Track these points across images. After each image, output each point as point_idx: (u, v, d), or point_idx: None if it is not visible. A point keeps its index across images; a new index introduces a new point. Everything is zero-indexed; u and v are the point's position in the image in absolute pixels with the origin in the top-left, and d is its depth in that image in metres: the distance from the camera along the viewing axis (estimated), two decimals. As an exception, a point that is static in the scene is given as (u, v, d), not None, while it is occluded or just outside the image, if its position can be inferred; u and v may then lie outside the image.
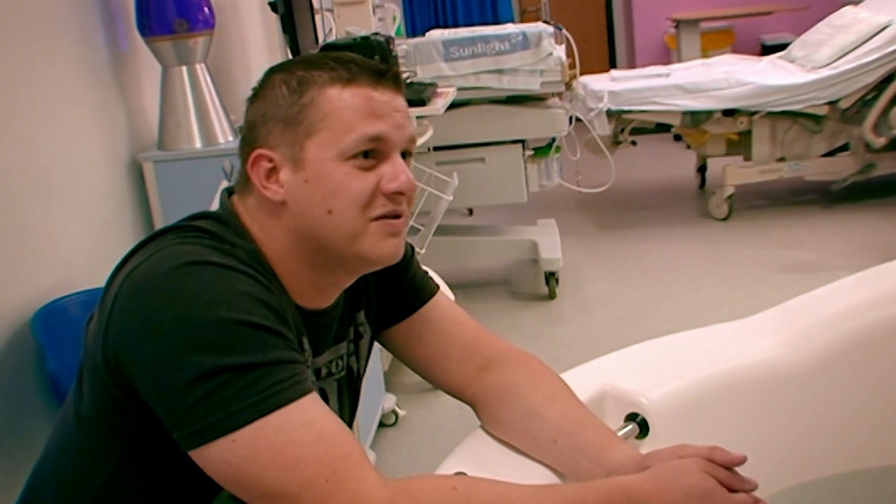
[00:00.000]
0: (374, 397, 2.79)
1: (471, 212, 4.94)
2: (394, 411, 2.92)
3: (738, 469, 1.13)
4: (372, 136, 1.07)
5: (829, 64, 4.60)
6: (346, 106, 1.07)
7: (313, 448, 0.95)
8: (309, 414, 0.97)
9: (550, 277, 3.92)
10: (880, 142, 4.61)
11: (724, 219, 4.82)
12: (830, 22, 4.97)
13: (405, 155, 1.12)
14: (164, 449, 1.00)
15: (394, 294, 1.28)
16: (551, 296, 3.92)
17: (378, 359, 2.86)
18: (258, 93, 1.12)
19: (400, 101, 1.12)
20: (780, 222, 4.71)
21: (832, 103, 4.59)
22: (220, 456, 0.95)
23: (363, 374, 1.32)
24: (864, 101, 4.59)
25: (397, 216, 1.10)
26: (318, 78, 1.08)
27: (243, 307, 0.97)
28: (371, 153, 1.08)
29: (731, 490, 1.10)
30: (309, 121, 1.07)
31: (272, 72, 1.13)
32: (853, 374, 1.59)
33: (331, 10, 3.95)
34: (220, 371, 0.93)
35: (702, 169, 5.44)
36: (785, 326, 1.63)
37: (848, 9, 5.01)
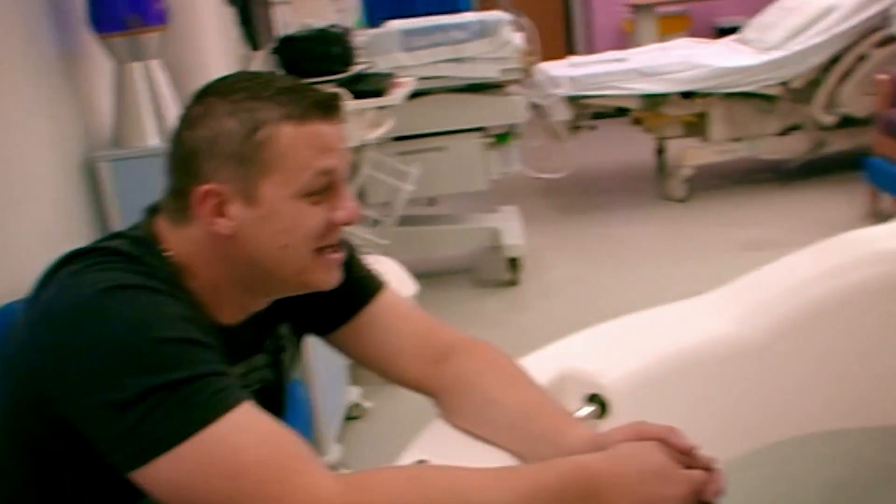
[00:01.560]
0: (339, 390, 2.77)
1: (433, 201, 4.93)
2: (359, 404, 2.91)
3: (697, 443, 1.12)
4: (325, 170, 1.07)
5: (780, 45, 4.65)
6: (301, 144, 1.06)
7: (258, 452, 0.94)
8: (248, 420, 0.96)
9: (513, 264, 3.92)
10: (830, 120, 4.69)
11: (683, 200, 4.86)
12: (781, 5, 5.03)
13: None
14: (80, 468, 1.00)
15: (333, 298, 1.24)
16: (515, 282, 3.92)
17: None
18: (198, 119, 1.07)
19: (343, 130, 1.12)
20: (737, 201, 4.77)
21: (784, 84, 4.66)
22: (164, 474, 0.93)
23: (285, 385, 1.30)
24: (814, 81, 4.66)
25: (338, 248, 1.12)
26: (269, 114, 1.05)
27: (170, 325, 0.96)
28: (321, 188, 1.07)
29: (688, 468, 1.10)
30: (264, 159, 1.05)
31: (210, 95, 1.08)
32: (804, 345, 1.61)
33: (288, 2, 3.92)
34: (154, 390, 0.92)
35: (660, 151, 5.47)
36: (738, 302, 1.64)
37: None
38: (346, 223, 1.10)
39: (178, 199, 1.08)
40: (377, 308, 1.28)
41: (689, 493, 1.07)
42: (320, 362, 2.46)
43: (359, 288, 1.28)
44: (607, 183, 5.47)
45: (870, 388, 1.65)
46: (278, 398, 1.28)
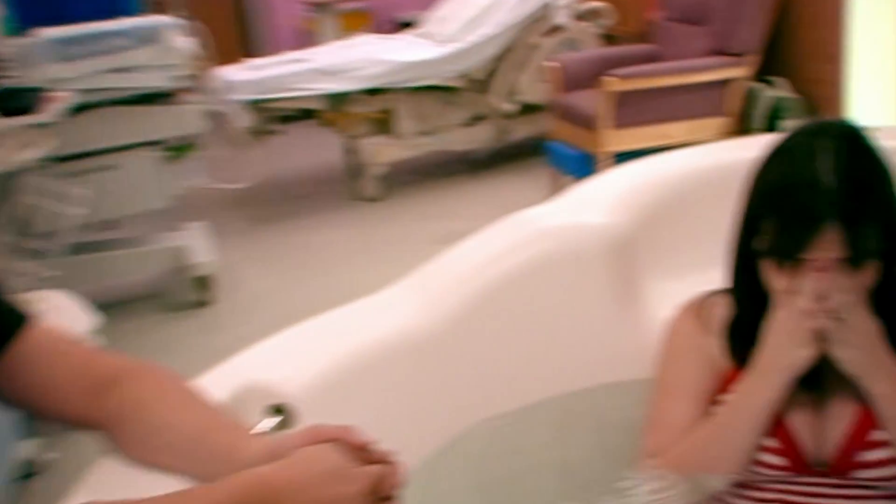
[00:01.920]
0: (5, 445, 2.56)
1: (110, 224, 4.72)
2: (31, 462, 2.68)
3: (374, 438, 1.16)
4: None
5: (457, 38, 4.87)
6: None
7: None
8: None
9: (202, 283, 3.86)
10: (511, 108, 4.99)
11: (378, 199, 4.98)
12: None
13: None
14: None
15: None
16: (206, 302, 3.87)
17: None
18: None
19: None
20: (432, 196, 4.95)
21: (465, 75, 4.89)
22: None
23: None
24: (492, 72, 4.94)
25: None
26: None
27: None
28: None
29: (367, 464, 1.13)
30: None
31: None
32: (484, 326, 1.71)
33: None
34: None
35: (351, 151, 5.50)
36: (417, 294, 1.72)
37: None
38: None
39: None
40: (23, 345, 1.21)
41: (368, 489, 1.10)
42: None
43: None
44: (300, 189, 5.49)
45: (555, 356, 1.78)
46: None
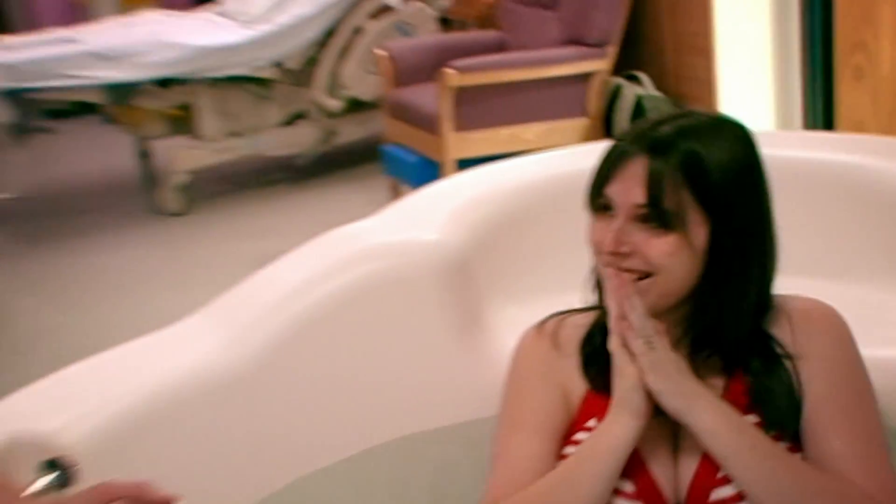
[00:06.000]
0: None
1: None
2: None
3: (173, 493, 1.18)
4: None
5: (265, 18, 4.85)
6: None
7: None
8: None
9: None
10: (336, 104, 5.01)
11: (181, 213, 4.94)
12: None
13: None
14: None
15: None
16: None
17: None
18: None
19: None
20: (246, 209, 4.94)
21: (279, 65, 4.89)
22: None
23: None
24: (312, 60, 4.95)
25: None
26: None
27: None
28: None
29: None
30: None
31: None
32: (297, 364, 1.73)
33: None
34: None
35: (145, 155, 5.46)
36: (224, 322, 1.74)
37: None
38: None
39: None
40: None
41: None
42: None
43: None
44: (84, 201, 5.38)
45: (387, 396, 1.80)
46: None
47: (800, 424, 1.38)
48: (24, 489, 1.29)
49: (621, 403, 1.35)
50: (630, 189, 1.33)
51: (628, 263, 1.34)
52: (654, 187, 1.32)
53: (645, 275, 1.34)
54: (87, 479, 1.37)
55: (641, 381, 1.33)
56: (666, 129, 1.37)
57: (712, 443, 1.33)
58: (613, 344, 1.35)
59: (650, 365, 1.32)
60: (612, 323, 1.34)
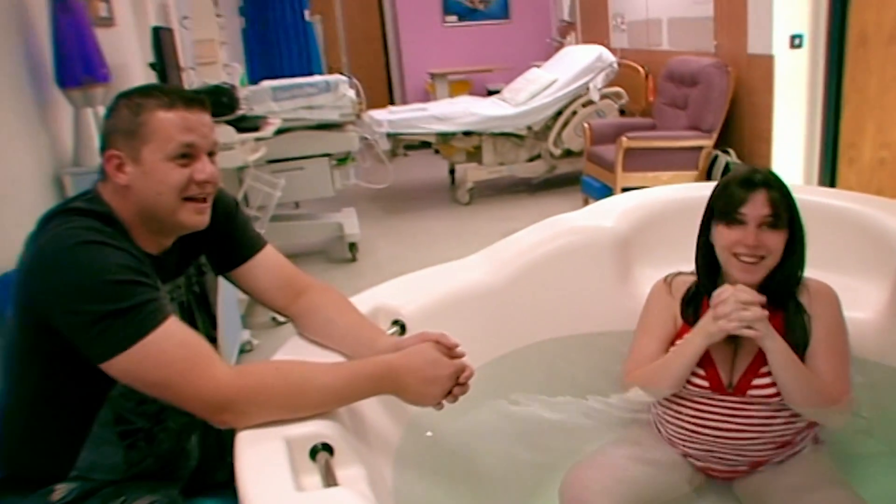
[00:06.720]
0: (235, 332, 2.74)
1: (297, 205, 4.88)
2: (250, 341, 2.87)
3: (459, 343, 1.23)
4: (186, 143, 1.08)
5: (525, 103, 4.81)
6: (169, 124, 1.07)
7: (176, 352, 0.98)
8: (171, 330, 1.00)
9: (352, 247, 3.92)
10: (557, 152, 4.92)
11: (467, 204, 4.94)
12: (525, 77, 5.20)
13: (211, 154, 1.13)
14: (71, 358, 1.01)
15: (230, 245, 1.26)
16: (353, 260, 3.92)
17: (236, 305, 2.83)
18: (110, 113, 1.11)
19: (206, 118, 1.12)
20: (502, 205, 4.88)
21: (529, 127, 4.84)
22: (119, 366, 0.97)
23: (212, 297, 1.29)
24: (547, 126, 4.88)
25: (203, 199, 1.12)
26: (148, 103, 1.08)
27: (117, 271, 0.99)
28: (186, 155, 1.09)
29: (452, 359, 1.20)
30: (143, 133, 1.07)
31: (119, 97, 1.11)
32: (528, 286, 1.74)
33: (193, 68, 3.81)
34: (110, 314, 0.96)
35: (452, 171, 5.54)
36: (488, 261, 1.76)
37: (534, 69, 5.29)
38: (204, 181, 1.10)
39: (102, 164, 1.11)
40: (262, 258, 1.29)
41: (453, 374, 1.17)
42: (223, 311, 2.44)
43: (249, 243, 1.29)
44: (416, 193, 5.47)
45: (574, 309, 1.78)
46: (207, 304, 1.27)
47: (805, 351, 1.32)
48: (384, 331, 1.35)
49: (702, 329, 1.32)
50: (758, 207, 1.28)
51: (758, 252, 1.29)
52: (775, 205, 1.28)
53: (760, 258, 1.30)
54: (412, 332, 1.44)
55: (713, 324, 1.28)
56: (762, 174, 1.31)
57: (772, 354, 1.28)
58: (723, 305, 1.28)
59: (752, 317, 1.26)
60: (729, 294, 1.27)
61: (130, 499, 1.09)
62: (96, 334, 0.96)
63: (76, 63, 2.02)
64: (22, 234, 1.09)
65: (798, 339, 1.32)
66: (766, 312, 1.27)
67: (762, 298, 1.27)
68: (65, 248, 0.98)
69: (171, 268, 1.18)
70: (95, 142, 2.08)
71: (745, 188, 1.30)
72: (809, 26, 3.69)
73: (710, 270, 1.39)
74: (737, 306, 1.26)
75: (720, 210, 1.33)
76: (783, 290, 1.35)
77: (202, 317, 1.26)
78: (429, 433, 1.42)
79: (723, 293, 1.28)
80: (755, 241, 1.28)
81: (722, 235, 1.32)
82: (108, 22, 2.69)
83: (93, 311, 0.96)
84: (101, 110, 2.11)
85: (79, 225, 1.02)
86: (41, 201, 1.93)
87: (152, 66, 2.77)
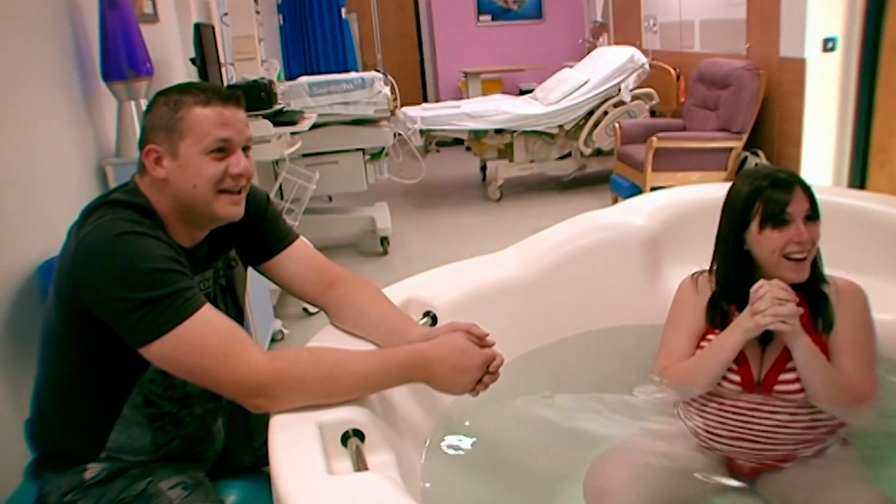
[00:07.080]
0: (267, 321, 2.78)
1: (330, 198, 4.91)
2: (281, 330, 2.89)
3: (489, 333, 1.24)
4: (221, 138, 1.10)
5: (557, 102, 4.78)
6: (205, 120, 1.09)
7: (213, 338, 1.01)
8: (207, 317, 1.02)
9: (384, 241, 3.92)
10: (588, 151, 4.88)
11: (497, 200, 4.92)
12: (557, 77, 5.17)
13: (246, 149, 1.15)
14: (107, 343, 1.04)
15: (261, 238, 1.28)
16: (385, 253, 3.91)
17: (268, 295, 2.87)
18: (149, 110, 1.13)
19: (241, 114, 1.14)
20: (532, 202, 4.86)
21: (560, 126, 4.81)
22: (157, 351, 1.00)
23: (239, 289, 1.30)
24: (578, 125, 4.84)
25: (238, 191, 1.14)
26: (185, 100, 1.10)
27: (156, 260, 1.01)
28: (221, 149, 1.11)
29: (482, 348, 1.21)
30: (181, 129, 1.09)
31: (158, 95, 1.14)
32: (558, 281, 1.75)
33: (232, 64, 3.86)
34: (148, 301, 0.99)
35: (483, 168, 5.54)
36: (520, 256, 1.77)
37: (566, 69, 5.26)
38: (238, 174, 1.12)
39: (140, 158, 1.13)
40: (294, 250, 1.31)
41: (483, 364, 1.18)
42: (254, 301, 2.47)
43: (280, 236, 1.30)
44: (448, 188, 5.46)
45: (604, 303, 1.80)
46: (235, 296, 1.29)
47: (829, 347, 1.32)
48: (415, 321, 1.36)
49: (738, 326, 1.30)
50: (801, 204, 1.28)
51: (808, 246, 1.29)
52: (812, 197, 1.29)
53: (808, 252, 1.30)
54: (442, 323, 1.44)
55: (749, 320, 1.28)
56: (785, 172, 1.32)
57: (797, 351, 1.27)
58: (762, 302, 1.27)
59: (787, 313, 1.25)
60: (766, 290, 1.27)
61: (157, 479, 1.12)
62: (136, 320, 0.99)
63: (121, 58, 2.07)
64: (66, 222, 1.12)
65: (823, 328, 1.32)
66: (800, 309, 1.26)
67: (795, 297, 1.26)
68: (107, 238, 1.00)
69: (200, 260, 1.19)
70: (137, 133, 2.13)
71: (783, 189, 1.29)
72: (843, 29, 3.61)
73: (741, 278, 1.37)
74: (773, 302, 1.24)
75: (767, 215, 1.31)
76: (811, 283, 1.34)
77: (226, 309, 1.26)
78: (466, 422, 1.43)
79: (760, 289, 1.27)
80: (808, 236, 1.28)
81: (772, 239, 1.30)
82: (152, 18, 2.74)
83: (133, 298, 0.98)
84: (144, 103, 2.17)
85: (120, 216, 1.04)
86: (85, 191, 1.98)
87: (193, 61, 2.82)
